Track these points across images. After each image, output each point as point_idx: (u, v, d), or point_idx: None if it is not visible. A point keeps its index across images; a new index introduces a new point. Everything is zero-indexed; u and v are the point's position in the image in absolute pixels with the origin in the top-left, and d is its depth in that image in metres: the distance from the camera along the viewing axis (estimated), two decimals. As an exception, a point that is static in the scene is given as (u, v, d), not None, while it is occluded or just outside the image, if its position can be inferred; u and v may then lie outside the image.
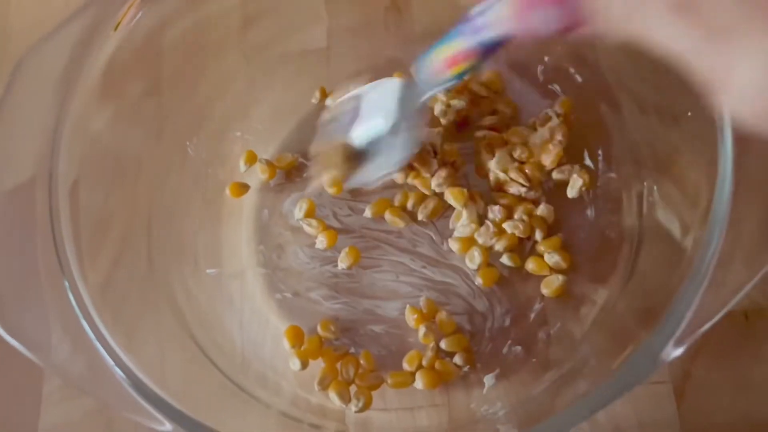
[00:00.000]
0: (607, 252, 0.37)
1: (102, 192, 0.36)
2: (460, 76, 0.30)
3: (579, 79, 0.40)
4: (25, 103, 0.33)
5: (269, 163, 0.40)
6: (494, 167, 0.38)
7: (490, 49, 0.26)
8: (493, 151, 0.38)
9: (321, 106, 0.42)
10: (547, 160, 0.37)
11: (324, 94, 0.42)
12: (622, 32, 0.19)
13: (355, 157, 0.36)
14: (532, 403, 0.33)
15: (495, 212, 0.37)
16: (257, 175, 0.41)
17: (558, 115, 0.38)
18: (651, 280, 0.34)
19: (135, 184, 0.38)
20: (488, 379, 0.35)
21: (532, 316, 0.37)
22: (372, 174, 0.37)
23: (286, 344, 0.36)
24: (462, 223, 0.37)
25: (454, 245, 0.38)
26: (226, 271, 0.39)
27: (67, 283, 0.28)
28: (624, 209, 0.37)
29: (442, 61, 0.29)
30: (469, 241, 0.38)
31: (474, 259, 0.37)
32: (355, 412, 0.34)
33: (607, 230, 0.37)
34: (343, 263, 0.38)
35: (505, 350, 0.36)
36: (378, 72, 0.42)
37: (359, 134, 0.36)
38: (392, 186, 0.40)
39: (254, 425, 0.32)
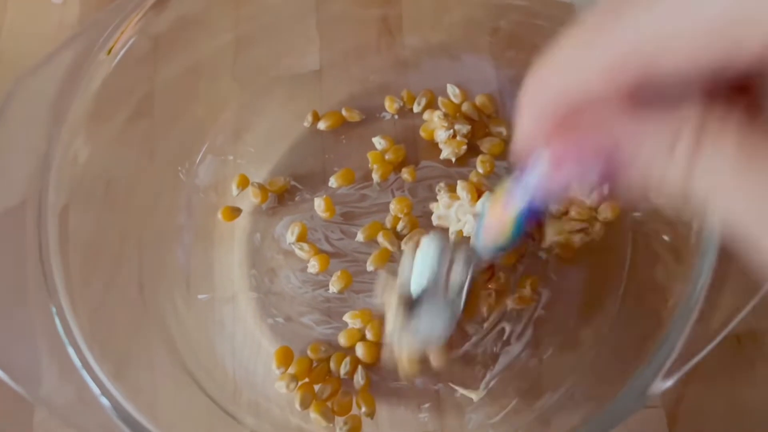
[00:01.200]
0: (598, 281, 0.37)
1: (92, 216, 0.36)
2: (509, 243, 0.26)
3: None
4: (17, 128, 0.33)
5: (261, 187, 0.40)
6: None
7: (536, 211, 0.23)
8: None
9: (313, 130, 0.42)
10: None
11: (316, 118, 0.42)
12: (679, 198, 0.16)
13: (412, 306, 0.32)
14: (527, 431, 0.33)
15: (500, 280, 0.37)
16: (249, 199, 0.41)
17: None
18: (641, 309, 0.34)
19: (125, 209, 0.38)
20: (475, 395, 0.35)
21: (524, 342, 0.37)
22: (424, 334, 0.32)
23: (274, 366, 0.36)
24: None
25: None
26: (217, 295, 0.39)
27: (54, 310, 0.28)
28: (616, 236, 0.37)
29: (491, 230, 0.26)
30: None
31: None
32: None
33: (600, 255, 0.37)
34: (334, 287, 0.38)
35: (495, 374, 0.36)
36: (370, 94, 0.43)
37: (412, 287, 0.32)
38: (384, 210, 0.40)
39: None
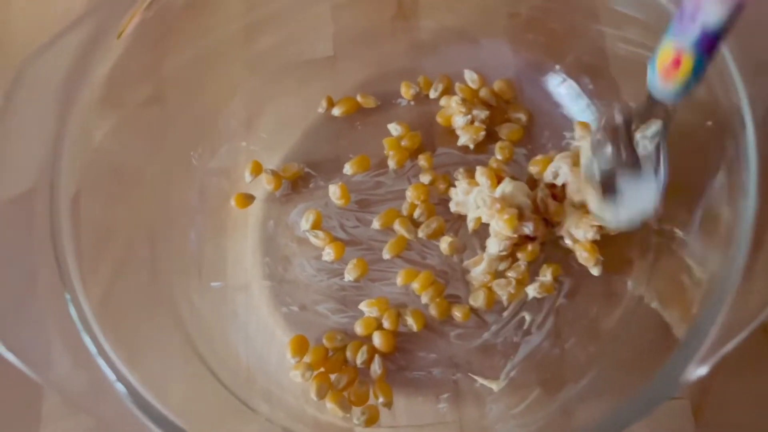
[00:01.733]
0: (624, 266, 0.36)
1: (103, 203, 0.35)
2: (688, 84, 0.24)
3: (591, 86, 0.39)
4: (26, 111, 0.33)
5: (275, 174, 0.40)
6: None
7: (712, 40, 0.21)
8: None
9: (328, 116, 0.42)
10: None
11: (330, 104, 0.42)
12: None
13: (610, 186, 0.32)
14: (547, 423, 0.32)
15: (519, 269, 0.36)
16: (263, 186, 0.40)
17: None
18: (668, 297, 0.33)
19: (137, 195, 0.37)
20: (495, 385, 0.34)
21: (545, 331, 0.36)
22: (624, 213, 0.32)
23: (288, 355, 0.35)
24: (480, 270, 0.36)
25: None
26: (230, 283, 0.38)
27: (68, 296, 0.27)
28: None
29: (662, 71, 0.24)
30: (481, 284, 0.37)
31: (477, 299, 0.36)
32: (361, 426, 0.33)
33: (623, 242, 0.36)
34: (350, 275, 0.37)
35: (515, 364, 0.35)
36: (385, 80, 0.42)
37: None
38: (400, 197, 0.39)
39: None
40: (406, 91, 0.41)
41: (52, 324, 0.29)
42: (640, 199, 0.31)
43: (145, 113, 0.38)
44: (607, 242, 0.37)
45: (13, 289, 0.30)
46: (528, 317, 0.36)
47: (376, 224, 0.38)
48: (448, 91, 0.41)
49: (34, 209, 0.31)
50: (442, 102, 0.41)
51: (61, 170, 0.31)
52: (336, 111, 0.41)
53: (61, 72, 0.34)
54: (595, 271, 0.35)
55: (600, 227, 0.35)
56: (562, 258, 0.37)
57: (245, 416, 0.32)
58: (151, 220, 0.37)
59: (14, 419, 0.38)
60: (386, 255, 0.38)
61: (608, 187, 0.32)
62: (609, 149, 0.32)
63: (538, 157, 0.38)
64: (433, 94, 0.41)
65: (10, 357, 0.26)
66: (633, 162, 0.31)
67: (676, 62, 0.23)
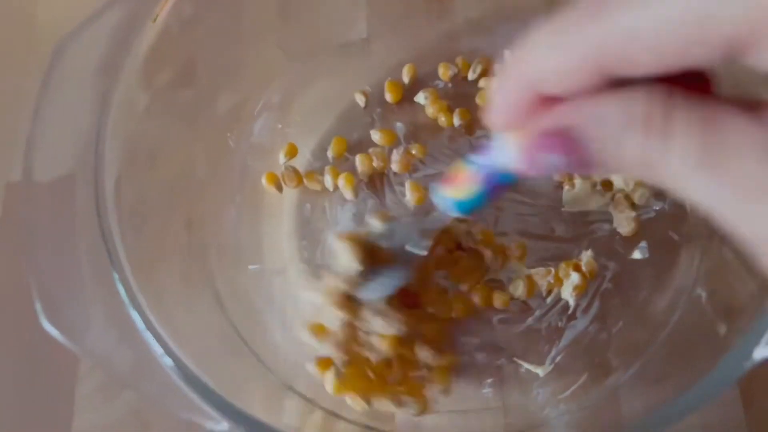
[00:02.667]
0: (671, 252, 0.35)
1: (140, 185, 0.35)
2: (465, 206, 0.25)
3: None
4: (61, 96, 0.32)
5: (296, 173, 0.39)
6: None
7: (496, 185, 0.23)
8: None
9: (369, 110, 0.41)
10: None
11: (367, 96, 0.41)
12: (640, 177, 0.17)
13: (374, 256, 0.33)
14: (596, 410, 0.32)
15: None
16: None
17: None
18: (724, 282, 0.32)
19: (174, 178, 0.37)
20: (541, 371, 0.34)
21: (590, 315, 0.35)
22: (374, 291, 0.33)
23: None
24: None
25: None
26: (268, 266, 0.38)
27: (116, 276, 0.27)
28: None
29: (450, 183, 0.25)
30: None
31: (517, 289, 0.35)
32: (415, 416, 0.32)
33: (671, 226, 0.35)
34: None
35: (561, 349, 0.34)
36: (421, 62, 0.41)
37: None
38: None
39: (300, 421, 0.30)
40: (444, 73, 0.41)
41: (95, 305, 0.28)
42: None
43: (181, 96, 0.38)
44: (654, 226, 0.36)
45: (57, 269, 0.29)
46: (572, 302, 0.35)
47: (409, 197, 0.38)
48: (486, 72, 0.40)
49: (75, 191, 0.31)
50: (482, 83, 0.40)
51: (104, 153, 0.31)
52: (389, 97, 0.41)
53: (96, 56, 0.33)
54: (637, 254, 0.35)
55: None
56: (606, 243, 0.36)
57: (287, 396, 0.31)
58: (188, 203, 0.36)
59: (49, 404, 0.37)
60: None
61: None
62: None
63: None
64: (471, 76, 0.40)
65: (57, 334, 0.26)
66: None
67: (464, 179, 0.24)
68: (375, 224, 0.34)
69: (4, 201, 0.42)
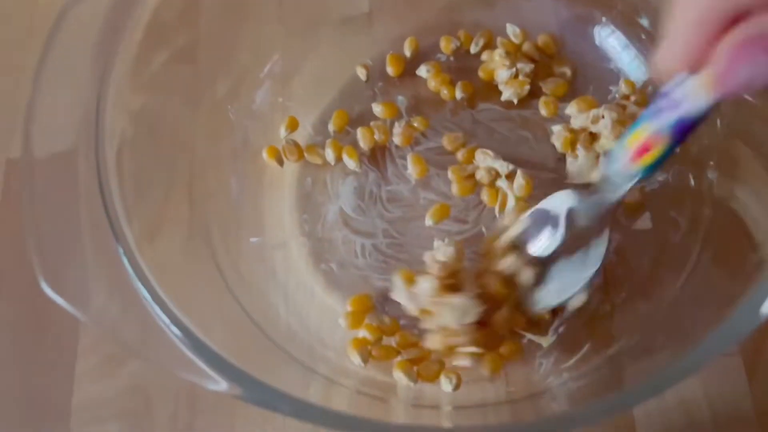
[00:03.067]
0: (674, 223, 0.35)
1: (141, 158, 0.35)
2: (652, 168, 0.25)
3: (642, 36, 0.38)
4: (62, 66, 0.32)
5: (297, 146, 0.39)
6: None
7: (688, 126, 0.22)
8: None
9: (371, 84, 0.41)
10: None
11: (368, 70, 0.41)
12: None
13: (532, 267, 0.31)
14: (598, 378, 0.31)
15: None
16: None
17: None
18: (728, 252, 0.32)
19: (174, 150, 0.37)
20: (545, 341, 0.34)
21: (593, 286, 0.35)
22: (553, 297, 0.32)
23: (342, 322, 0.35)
24: None
25: None
26: (269, 240, 0.38)
27: (120, 248, 0.27)
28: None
29: (632, 151, 0.25)
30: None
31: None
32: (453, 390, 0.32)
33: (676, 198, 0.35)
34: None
35: (564, 319, 0.34)
36: (422, 36, 0.41)
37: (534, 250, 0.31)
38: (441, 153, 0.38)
39: (301, 390, 0.30)
40: (446, 46, 0.40)
41: (99, 273, 0.28)
42: (568, 285, 0.31)
43: (182, 69, 0.38)
44: (657, 197, 0.36)
45: (59, 241, 0.29)
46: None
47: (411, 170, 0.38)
48: (489, 45, 0.40)
49: (77, 164, 0.31)
50: (484, 56, 0.40)
51: (105, 125, 0.31)
52: (390, 71, 0.40)
53: (96, 28, 0.33)
54: (641, 225, 0.35)
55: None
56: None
57: (289, 366, 0.31)
58: (190, 175, 0.36)
59: (49, 379, 0.37)
60: (428, 222, 0.37)
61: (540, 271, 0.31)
62: (548, 233, 0.31)
63: (581, 98, 0.37)
64: (473, 49, 0.40)
65: (62, 302, 0.26)
66: (572, 249, 0.30)
67: (647, 146, 0.24)
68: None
69: (5, 177, 0.42)
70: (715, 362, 0.33)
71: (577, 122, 0.36)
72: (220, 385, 0.24)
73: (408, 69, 0.41)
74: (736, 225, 0.32)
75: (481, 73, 0.40)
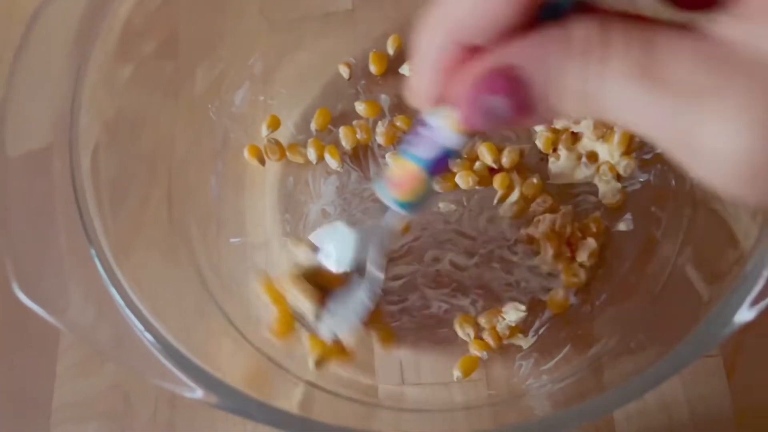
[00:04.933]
0: (654, 224, 0.35)
1: (119, 157, 0.34)
2: (414, 205, 0.24)
3: None
4: (38, 66, 0.32)
5: (278, 145, 0.38)
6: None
7: (444, 160, 0.22)
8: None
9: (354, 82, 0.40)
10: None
11: (351, 68, 0.40)
12: (581, 113, 0.17)
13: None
14: (578, 379, 0.32)
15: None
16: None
17: None
18: (707, 253, 0.32)
19: (153, 152, 0.36)
20: (524, 342, 0.34)
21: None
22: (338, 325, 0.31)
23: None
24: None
25: None
26: (250, 240, 0.37)
27: (93, 251, 0.26)
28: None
29: (396, 186, 0.24)
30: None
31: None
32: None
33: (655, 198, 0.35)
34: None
35: (544, 321, 0.34)
36: (406, 32, 0.41)
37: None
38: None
39: (283, 394, 0.30)
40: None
41: (73, 277, 0.28)
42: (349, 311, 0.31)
43: (161, 66, 0.37)
44: (637, 197, 0.36)
45: (33, 243, 0.29)
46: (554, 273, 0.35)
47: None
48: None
49: (52, 164, 0.30)
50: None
51: (79, 123, 0.30)
52: (373, 69, 0.40)
53: (73, 23, 0.32)
54: (622, 226, 0.35)
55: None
56: (590, 215, 0.36)
57: (270, 370, 0.31)
58: (169, 175, 0.36)
59: (30, 379, 0.37)
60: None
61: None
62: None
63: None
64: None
65: (35, 307, 0.26)
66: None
67: (406, 179, 0.23)
68: (306, 254, 0.31)
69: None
70: (695, 363, 0.34)
71: (559, 122, 0.36)
72: (196, 392, 0.24)
73: (391, 67, 0.40)
74: (717, 225, 0.32)
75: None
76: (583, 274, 0.34)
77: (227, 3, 0.40)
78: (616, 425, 0.33)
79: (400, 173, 0.23)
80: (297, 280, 0.30)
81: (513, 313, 0.33)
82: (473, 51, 0.17)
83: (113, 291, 0.26)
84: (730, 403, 0.34)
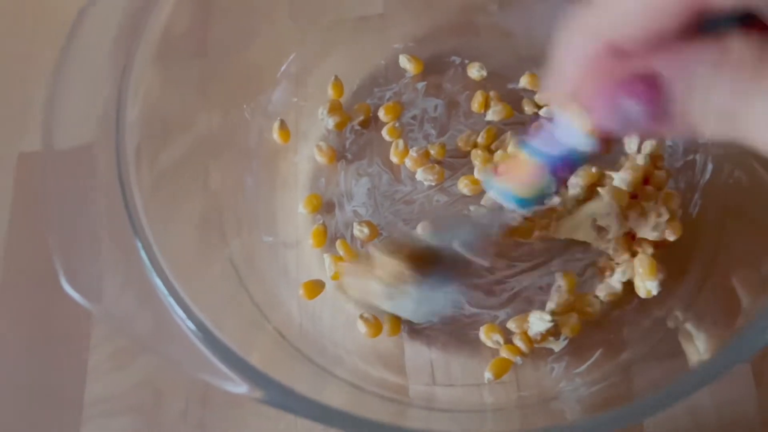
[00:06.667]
0: (685, 230, 0.35)
1: (158, 154, 0.35)
2: (529, 202, 0.23)
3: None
4: (82, 63, 0.32)
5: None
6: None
7: (566, 165, 0.21)
8: None
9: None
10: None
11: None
12: (719, 132, 0.16)
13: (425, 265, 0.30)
14: (609, 384, 0.32)
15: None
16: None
17: None
18: (740, 261, 0.32)
19: (190, 147, 0.37)
20: (556, 346, 0.34)
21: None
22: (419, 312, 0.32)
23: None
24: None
25: None
26: (281, 239, 0.38)
27: (139, 242, 0.27)
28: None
29: (513, 180, 0.23)
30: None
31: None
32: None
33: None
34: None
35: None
36: (437, 37, 0.41)
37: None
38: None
39: (317, 391, 0.30)
40: (462, 49, 0.40)
41: (114, 267, 0.28)
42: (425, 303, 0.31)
43: (198, 66, 0.38)
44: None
45: (76, 234, 0.29)
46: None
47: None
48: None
49: (96, 159, 0.31)
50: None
51: (125, 121, 0.31)
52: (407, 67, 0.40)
53: (115, 24, 0.33)
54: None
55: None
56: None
57: (300, 364, 0.31)
58: (205, 172, 0.36)
59: (61, 373, 0.37)
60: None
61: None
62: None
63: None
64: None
65: (77, 297, 0.26)
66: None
67: (525, 174, 0.23)
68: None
69: (17, 171, 0.42)
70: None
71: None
72: (240, 387, 0.24)
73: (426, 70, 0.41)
74: (757, 234, 0.32)
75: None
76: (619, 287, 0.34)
77: (261, 7, 0.41)
78: (645, 427, 0.33)
79: (519, 167, 0.22)
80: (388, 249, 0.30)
81: (538, 323, 0.33)
82: (617, 53, 0.17)
83: (157, 281, 0.26)
84: (757, 409, 0.34)
